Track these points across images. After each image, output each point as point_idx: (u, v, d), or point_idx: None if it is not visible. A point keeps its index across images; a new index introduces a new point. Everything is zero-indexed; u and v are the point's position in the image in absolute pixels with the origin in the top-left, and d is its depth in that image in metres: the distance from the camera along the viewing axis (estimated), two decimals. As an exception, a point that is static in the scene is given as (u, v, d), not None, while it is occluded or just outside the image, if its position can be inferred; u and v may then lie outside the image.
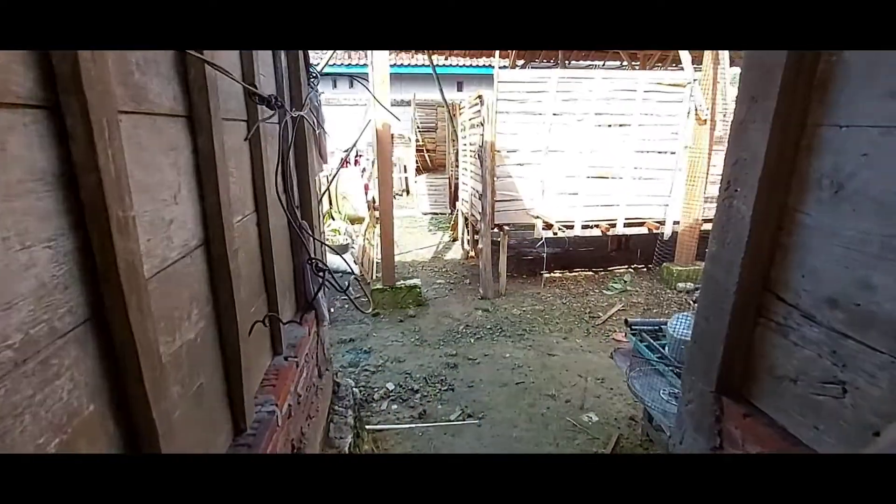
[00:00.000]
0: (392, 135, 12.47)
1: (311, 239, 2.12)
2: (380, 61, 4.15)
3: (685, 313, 2.39)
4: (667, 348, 2.40)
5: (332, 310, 4.86)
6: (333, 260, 6.00)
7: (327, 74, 3.42)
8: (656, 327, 2.59)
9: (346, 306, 4.93)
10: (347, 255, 6.01)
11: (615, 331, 4.22)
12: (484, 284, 5.03)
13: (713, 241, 1.35)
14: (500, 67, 4.35)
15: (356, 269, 5.85)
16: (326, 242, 5.72)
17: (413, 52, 12.67)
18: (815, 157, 1.11)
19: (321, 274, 2.14)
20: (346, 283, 5.59)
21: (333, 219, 6.68)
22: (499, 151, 4.73)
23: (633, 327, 2.62)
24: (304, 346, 1.91)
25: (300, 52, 2.03)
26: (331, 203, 8.24)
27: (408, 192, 12.20)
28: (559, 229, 5.00)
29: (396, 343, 4.06)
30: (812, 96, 1.11)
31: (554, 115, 4.69)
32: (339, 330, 4.32)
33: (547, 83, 4.56)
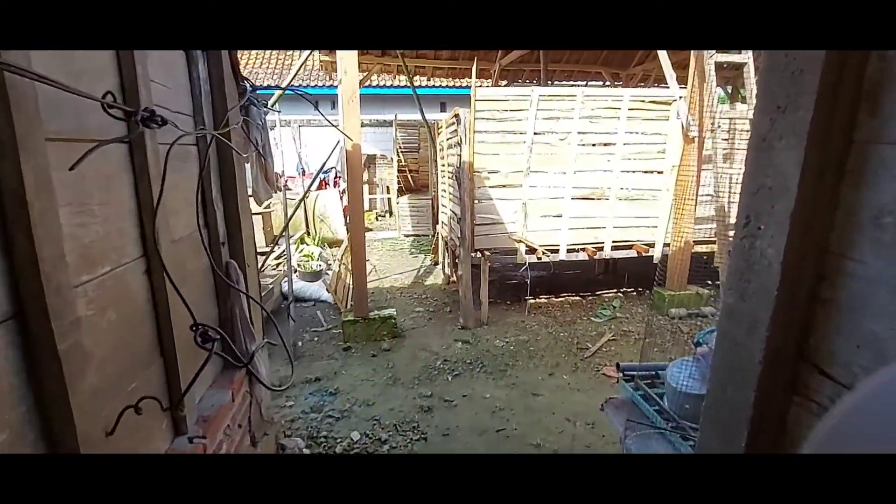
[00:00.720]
0: (374, 156, 12.25)
1: (243, 281, 1.77)
2: (348, 79, 3.88)
3: (686, 359, 2.08)
4: (665, 399, 2.08)
5: (300, 343, 4.48)
6: (305, 288, 5.63)
7: (290, 92, 3.13)
8: (653, 372, 2.28)
9: (316, 339, 4.55)
10: (319, 284, 5.65)
11: (606, 364, 3.90)
12: (464, 313, 4.69)
13: (729, 290, 1.04)
14: (478, 86, 4.10)
15: (330, 298, 5.49)
16: (295, 269, 5.32)
17: (395, 73, 12.55)
18: (868, 185, 0.82)
19: (264, 317, 1.79)
20: (318, 312, 5.22)
21: (305, 243, 6.31)
22: (478, 172, 4.46)
23: (625, 372, 2.29)
24: (224, 416, 1.55)
25: (225, 61, 1.73)
26: (307, 226, 7.89)
27: (390, 214, 11.91)
28: (543, 254, 4.71)
29: (367, 382, 3.68)
30: (860, 106, 0.82)
31: (535, 133, 4.45)
32: (304, 367, 3.93)
33: (527, 101, 4.33)
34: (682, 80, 4.99)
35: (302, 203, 8.09)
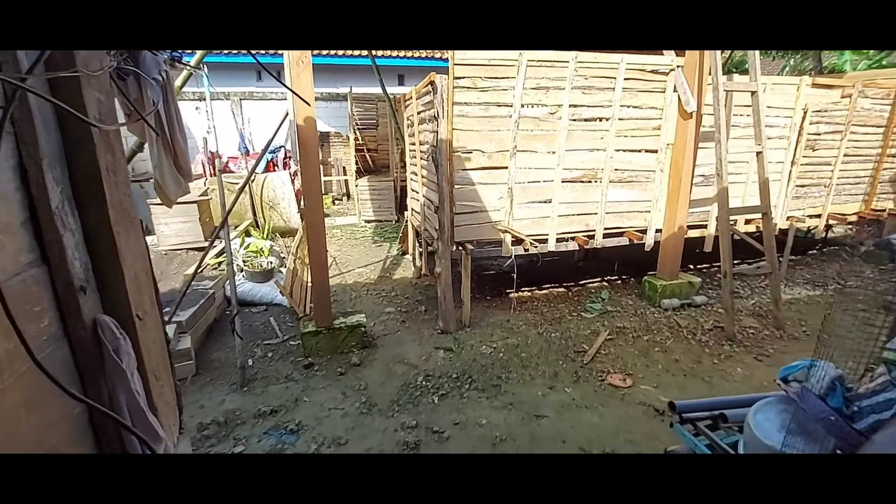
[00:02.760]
0: (328, 133, 11.24)
1: (130, 345, 1.06)
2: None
3: (772, 397, 1.59)
4: (741, 450, 1.59)
5: (249, 363, 3.73)
6: (254, 290, 4.82)
7: (213, 62, 2.33)
8: (717, 413, 1.78)
9: (270, 354, 3.81)
10: (272, 284, 4.85)
11: (609, 371, 3.45)
12: (444, 316, 4.10)
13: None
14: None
15: (285, 301, 4.72)
16: (241, 268, 4.50)
17: (348, 40, 11.46)
18: None
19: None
20: (271, 319, 4.45)
21: (250, 235, 5.43)
22: (457, 152, 3.81)
23: (682, 414, 1.79)
24: None
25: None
26: (255, 214, 6.96)
27: (348, 197, 11.03)
28: (531, 244, 4.17)
29: (335, 411, 3.03)
30: None
31: (523, 106, 3.83)
32: (256, 395, 3.22)
33: (514, 67, 3.69)
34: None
35: (247, 188, 7.13)
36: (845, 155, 5.20)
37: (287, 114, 3.15)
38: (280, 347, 3.93)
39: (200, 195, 6.18)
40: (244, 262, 4.91)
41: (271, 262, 4.98)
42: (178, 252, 5.68)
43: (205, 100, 11.17)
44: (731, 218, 4.10)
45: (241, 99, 11.46)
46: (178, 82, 2.90)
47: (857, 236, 6.50)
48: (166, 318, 3.68)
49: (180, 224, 5.61)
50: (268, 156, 9.29)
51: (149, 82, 1.25)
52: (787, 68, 15.49)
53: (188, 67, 2.86)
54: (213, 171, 8.69)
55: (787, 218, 5.21)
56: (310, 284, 4.07)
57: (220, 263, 5.12)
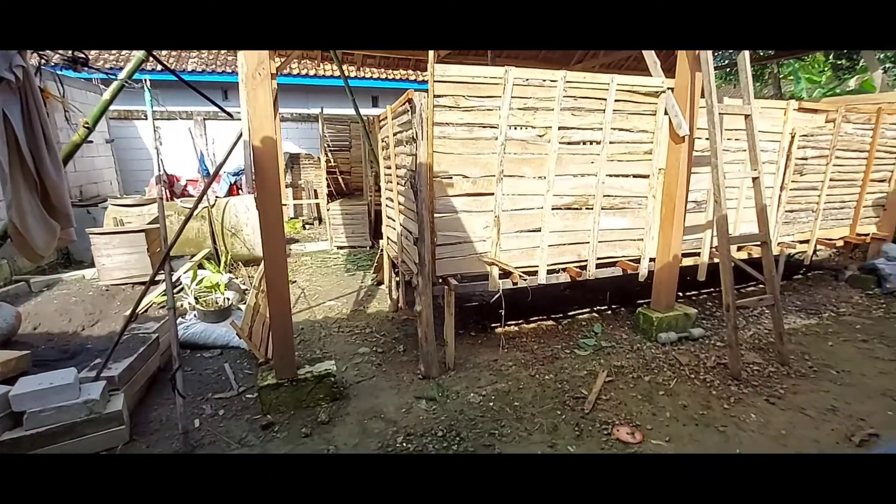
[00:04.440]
0: (298, 155, 10.76)
1: None
2: (249, 51, 2.66)
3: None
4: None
5: (196, 423, 3.17)
6: (207, 332, 4.24)
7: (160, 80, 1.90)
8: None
9: (222, 412, 3.26)
10: (228, 324, 4.29)
11: (614, 423, 3.06)
12: (426, 359, 3.65)
13: None
14: (436, 63, 3.07)
15: (243, 342, 4.16)
16: (193, 306, 3.94)
17: (319, 60, 11.15)
18: None
19: None
20: (226, 367, 3.89)
21: (204, 268, 4.86)
22: (438, 178, 3.44)
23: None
24: None
25: None
26: (214, 242, 6.37)
27: (320, 221, 10.51)
28: (520, 277, 3.80)
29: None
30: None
31: (510, 128, 3.52)
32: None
33: (500, 85, 3.38)
34: (669, 69, 4.32)
35: (206, 214, 6.56)
36: (831, 179, 5.12)
37: (241, 134, 2.71)
38: (234, 402, 3.37)
39: (150, 222, 5.58)
40: (196, 299, 4.34)
41: (228, 299, 4.43)
42: (123, 287, 5.04)
43: (169, 119, 10.58)
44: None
45: (204, 119, 10.90)
46: (106, 95, 2.44)
47: (842, 260, 6.45)
48: (94, 374, 3.10)
49: (125, 256, 4.99)
50: (231, 178, 8.73)
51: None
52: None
53: (119, 79, 2.40)
54: (169, 195, 8.06)
55: (778, 244, 5.05)
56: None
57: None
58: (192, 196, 8.40)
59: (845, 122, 4.95)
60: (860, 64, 14.91)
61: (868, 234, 5.67)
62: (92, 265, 5.21)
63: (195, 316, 4.24)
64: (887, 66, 13.41)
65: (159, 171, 2.98)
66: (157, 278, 3.07)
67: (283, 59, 8.93)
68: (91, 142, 8.44)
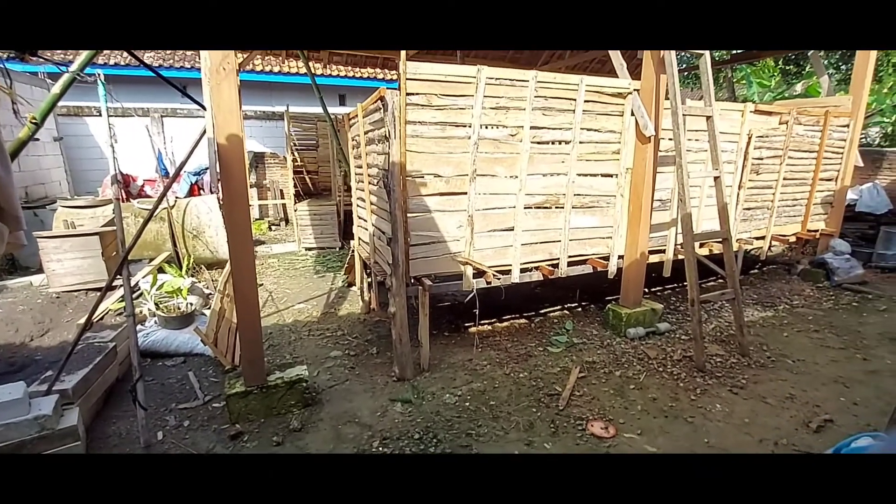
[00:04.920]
0: (262, 154, 10.46)
1: None
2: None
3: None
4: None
5: (160, 436, 3.01)
6: (169, 339, 4.05)
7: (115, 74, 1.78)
8: None
9: (188, 423, 3.11)
10: (192, 330, 4.11)
11: (588, 418, 3.11)
12: (400, 361, 3.60)
13: None
14: (408, 60, 3.04)
15: (208, 349, 3.99)
16: (153, 312, 3.76)
17: (284, 57, 10.87)
18: None
19: None
20: (190, 375, 3.72)
21: (164, 272, 4.64)
22: (411, 177, 3.40)
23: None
24: None
25: None
26: (175, 244, 6.10)
27: (286, 222, 10.25)
28: (494, 276, 3.81)
29: (270, 498, 2.42)
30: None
31: (482, 127, 3.52)
32: (165, 483, 2.52)
33: (472, 84, 3.37)
34: (634, 69, 4.43)
35: (165, 215, 6.27)
36: (784, 178, 5.39)
37: (204, 131, 2.59)
38: (200, 412, 3.23)
39: (105, 224, 5.28)
40: (157, 304, 4.13)
41: (191, 304, 4.24)
42: (76, 294, 4.75)
43: (124, 116, 10.05)
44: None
45: (162, 116, 10.42)
46: (56, 89, 2.28)
47: (794, 255, 6.81)
48: (45, 387, 2.90)
49: (78, 260, 4.70)
50: (192, 178, 8.38)
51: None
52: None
53: (70, 72, 2.25)
54: (125, 196, 7.67)
55: (737, 240, 5.28)
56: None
57: (125, 308, 4.27)
58: (149, 196, 8.01)
59: (797, 124, 5.22)
60: (806, 69, 15.84)
61: (818, 231, 6.01)
62: (40, 271, 4.88)
63: (156, 322, 4.04)
64: (830, 71, 14.27)
65: (115, 170, 2.81)
66: (114, 283, 2.89)
67: (245, 56, 8.65)
68: (37, 139, 7.91)
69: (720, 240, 4.08)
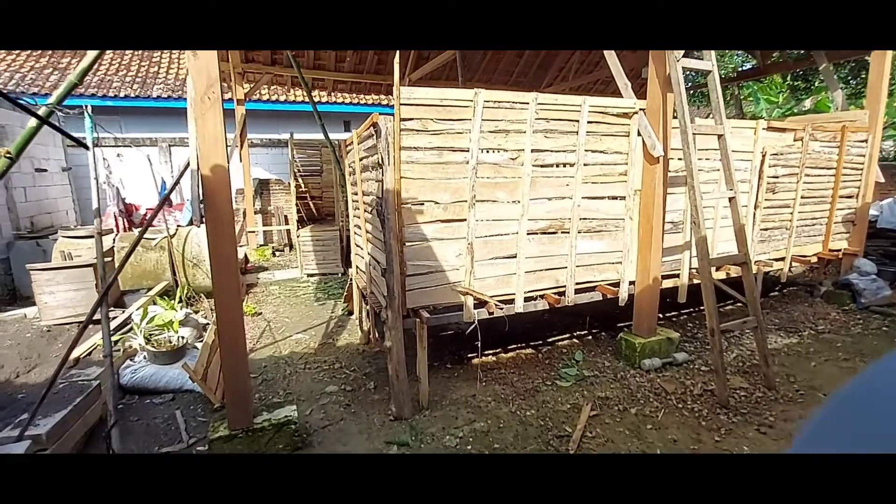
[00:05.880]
0: (268, 181, 10.47)
1: None
2: (200, 63, 2.45)
3: None
4: None
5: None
6: (157, 375, 3.87)
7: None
8: None
9: (169, 469, 2.88)
10: (178, 369, 3.93)
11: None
12: (397, 399, 3.37)
13: None
14: (401, 85, 2.91)
15: (198, 386, 3.80)
16: (143, 346, 3.61)
17: (289, 86, 11.00)
18: None
19: None
20: (177, 414, 3.53)
21: (156, 304, 4.50)
22: (407, 205, 3.24)
23: None
24: None
25: None
26: (174, 273, 5.99)
27: (290, 247, 10.16)
28: (496, 306, 3.60)
29: (249, 562, 2.18)
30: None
31: (481, 151, 3.37)
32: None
33: (469, 107, 3.24)
34: (640, 89, 4.29)
35: (167, 244, 6.19)
36: (802, 197, 5.15)
37: (188, 163, 2.47)
38: (183, 458, 3.02)
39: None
40: (147, 338, 3.97)
41: (183, 338, 4.07)
42: (67, 328, 4.62)
43: (129, 146, 10.17)
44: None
45: (170, 145, 10.53)
46: (31, 123, 2.18)
47: (816, 276, 6.49)
48: (17, 432, 2.72)
49: (70, 293, 4.59)
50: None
51: None
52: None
53: (47, 104, 2.15)
54: (127, 225, 7.65)
55: (755, 262, 5.01)
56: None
57: (117, 342, 4.13)
58: (153, 226, 7.98)
59: (812, 140, 5.01)
60: (815, 85, 15.66)
61: (840, 250, 5.72)
62: (31, 303, 4.78)
63: (145, 358, 3.87)
64: (841, 86, 14.07)
65: (97, 202, 2.69)
66: (90, 318, 2.74)
67: (252, 86, 8.73)
68: (45, 170, 7.99)
69: (738, 263, 3.84)
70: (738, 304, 5.74)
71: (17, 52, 11.30)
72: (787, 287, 6.41)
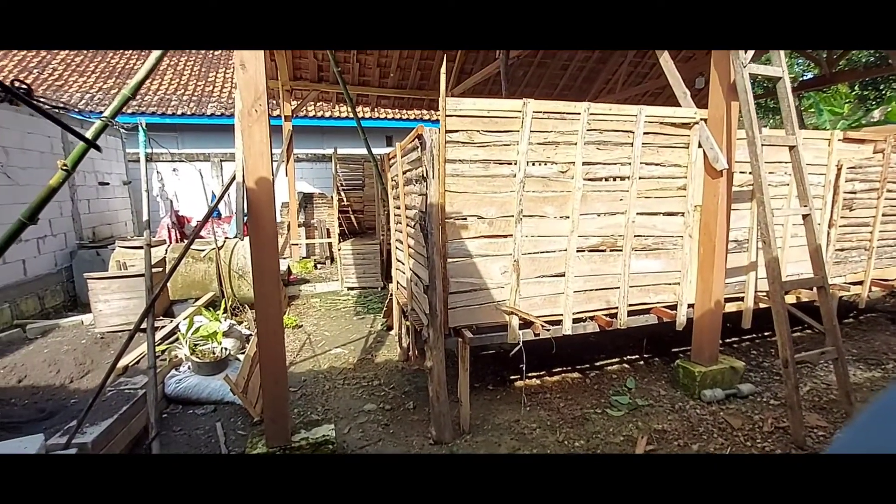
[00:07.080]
0: (311, 195, 10.69)
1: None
2: (247, 75, 2.45)
3: None
4: None
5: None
6: (200, 386, 3.90)
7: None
8: None
9: (206, 484, 2.83)
10: (221, 380, 3.94)
11: None
12: (437, 421, 3.22)
13: None
14: (449, 97, 2.83)
15: (239, 398, 3.79)
16: (188, 357, 3.63)
17: (334, 102, 11.28)
18: None
19: None
20: (218, 426, 3.52)
21: (203, 316, 4.57)
22: (451, 219, 3.13)
23: None
24: None
25: None
26: (220, 284, 6.12)
27: (332, 260, 10.29)
28: (543, 327, 3.40)
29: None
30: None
31: (529, 164, 3.22)
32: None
33: (518, 118, 3.11)
34: (700, 97, 4.02)
35: (215, 255, 6.37)
36: (884, 215, 4.66)
37: (234, 176, 2.46)
38: (221, 473, 2.97)
39: (155, 264, 5.38)
40: (192, 349, 4.03)
41: (226, 349, 4.10)
42: (120, 335, 4.78)
43: (182, 161, 10.72)
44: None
45: (221, 160, 11.00)
46: (89, 134, 2.23)
47: (899, 303, 5.86)
48: (64, 440, 2.76)
49: (124, 301, 4.76)
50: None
51: None
52: (767, 127, 15.77)
53: (102, 119, 2.20)
54: (179, 236, 7.96)
55: (830, 286, 4.55)
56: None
57: (163, 351, 4.22)
58: (202, 237, 8.29)
59: (895, 153, 4.54)
60: (887, 94, 14.54)
61: (928, 274, 5.12)
62: (87, 310, 4.99)
63: (189, 368, 3.91)
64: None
65: (148, 214, 2.74)
66: (137, 326, 2.77)
67: (298, 102, 9.00)
68: (107, 183, 8.49)
69: (814, 288, 3.47)
70: (808, 331, 5.24)
71: (87, 74, 12.23)
72: (863, 313, 5.81)
